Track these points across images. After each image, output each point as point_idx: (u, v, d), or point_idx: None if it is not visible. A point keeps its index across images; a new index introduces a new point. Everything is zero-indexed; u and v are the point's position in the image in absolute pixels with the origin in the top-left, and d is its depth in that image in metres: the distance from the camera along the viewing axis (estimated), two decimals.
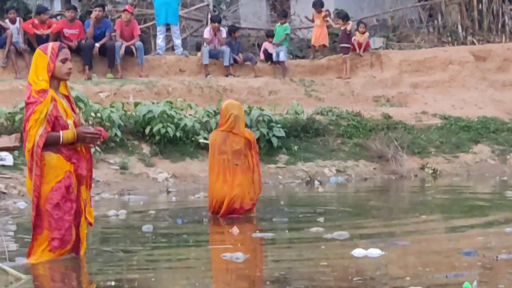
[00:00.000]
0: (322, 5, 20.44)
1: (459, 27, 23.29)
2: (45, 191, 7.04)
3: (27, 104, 7.04)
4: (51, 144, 7.02)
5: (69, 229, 7.12)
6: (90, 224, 7.34)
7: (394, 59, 20.33)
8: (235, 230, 9.08)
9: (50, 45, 7.22)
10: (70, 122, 7.12)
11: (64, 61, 7.14)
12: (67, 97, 7.22)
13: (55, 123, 7.04)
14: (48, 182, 7.04)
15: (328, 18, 20.69)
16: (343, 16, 20.40)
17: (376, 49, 20.73)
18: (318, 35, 20.32)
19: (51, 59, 7.09)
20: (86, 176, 7.26)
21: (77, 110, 7.57)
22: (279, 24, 20.18)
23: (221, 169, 10.36)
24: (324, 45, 20.49)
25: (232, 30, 20.18)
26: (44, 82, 7.03)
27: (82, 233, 7.28)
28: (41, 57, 7.11)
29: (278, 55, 19.55)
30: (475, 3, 23.39)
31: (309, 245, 8.29)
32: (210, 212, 10.53)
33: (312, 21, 20.60)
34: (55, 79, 7.13)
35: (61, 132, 7.05)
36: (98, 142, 7.33)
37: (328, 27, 20.80)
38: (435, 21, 23.75)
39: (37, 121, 6.96)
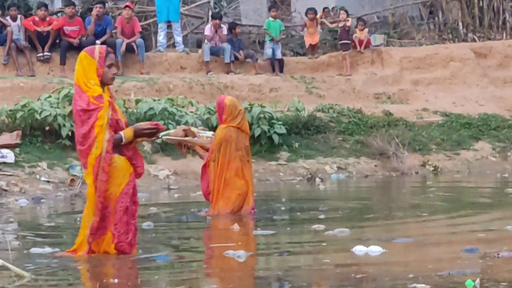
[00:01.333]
0: (316, 11, 20.42)
1: (460, 24, 23.29)
2: (115, 194, 7.03)
3: (87, 111, 6.93)
4: (114, 146, 7.01)
5: (135, 233, 7.19)
6: None
7: (395, 56, 20.33)
8: (236, 227, 9.09)
9: (97, 48, 7.12)
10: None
11: (110, 66, 7.08)
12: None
13: (115, 127, 7.03)
14: (118, 184, 7.03)
15: (323, 19, 20.71)
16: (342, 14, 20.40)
17: (377, 46, 20.72)
18: (313, 39, 20.28)
19: (100, 64, 7.02)
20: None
21: None
22: (271, 19, 19.82)
23: (239, 166, 10.33)
24: (317, 44, 20.45)
25: (232, 26, 20.15)
26: (97, 87, 6.99)
27: None
28: (88, 61, 7.03)
29: (273, 52, 19.44)
30: (475, 0, 23.39)
31: (310, 242, 8.31)
32: (232, 210, 10.34)
33: (303, 29, 20.65)
34: (101, 83, 7.07)
35: (121, 133, 7.03)
36: (155, 138, 7.39)
37: (324, 27, 20.88)
38: (436, 18, 23.75)
39: (102, 126, 6.92)
